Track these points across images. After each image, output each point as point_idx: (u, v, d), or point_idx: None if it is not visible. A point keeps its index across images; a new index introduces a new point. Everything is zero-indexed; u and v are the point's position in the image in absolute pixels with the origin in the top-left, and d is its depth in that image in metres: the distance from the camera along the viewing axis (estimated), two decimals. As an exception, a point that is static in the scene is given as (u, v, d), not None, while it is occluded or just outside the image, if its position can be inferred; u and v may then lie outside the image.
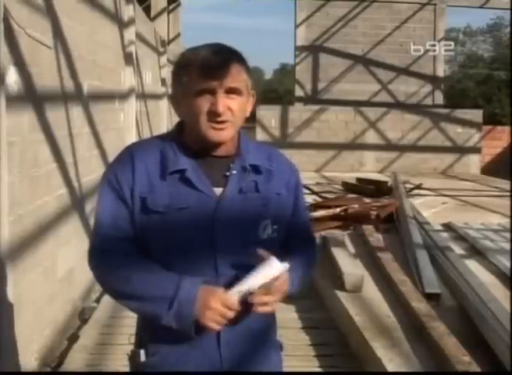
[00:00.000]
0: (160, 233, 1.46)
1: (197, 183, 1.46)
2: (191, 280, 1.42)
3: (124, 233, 1.47)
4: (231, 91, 1.45)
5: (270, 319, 1.61)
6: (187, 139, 1.51)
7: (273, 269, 1.43)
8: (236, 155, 1.52)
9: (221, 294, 1.40)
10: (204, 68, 1.43)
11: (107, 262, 1.47)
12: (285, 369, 1.70)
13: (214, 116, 1.43)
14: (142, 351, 1.51)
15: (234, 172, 1.50)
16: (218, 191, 1.48)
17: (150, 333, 1.51)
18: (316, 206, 7.24)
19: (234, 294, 1.41)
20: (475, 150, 13.81)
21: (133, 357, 1.55)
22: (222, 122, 1.44)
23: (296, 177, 1.63)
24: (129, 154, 1.51)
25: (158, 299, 1.41)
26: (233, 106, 1.45)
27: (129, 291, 1.43)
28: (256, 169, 1.52)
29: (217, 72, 1.42)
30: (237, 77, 1.46)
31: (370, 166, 13.47)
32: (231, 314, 1.41)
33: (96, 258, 1.50)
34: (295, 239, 1.61)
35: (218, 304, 1.39)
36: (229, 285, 1.43)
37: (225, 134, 1.46)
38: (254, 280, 1.42)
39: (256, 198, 1.51)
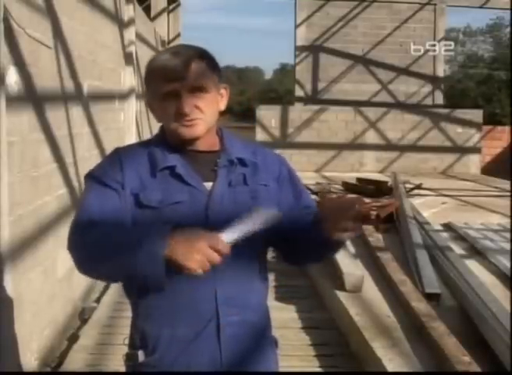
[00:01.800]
0: None
1: (188, 179, 1.48)
2: (166, 222, 1.37)
3: (112, 215, 1.43)
4: (196, 90, 1.46)
5: (266, 315, 1.62)
6: (170, 139, 1.53)
7: (261, 215, 1.37)
8: (221, 150, 1.55)
9: (209, 235, 1.30)
10: (163, 72, 1.46)
11: (86, 236, 1.39)
12: (285, 369, 1.71)
13: (181, 116, 1.46)
14: (140, 352, 1.51)
15: (222, 166, 1.52)
16: (208, 185, 1.50)
17: (147, 331, 1.50)
18: (316, 206, 7.23)
19: (224, 238, 1.32)
20: (475, 150, 13.79)
21: (130, 359, 1.53)
22: (192, 120, 1.47)
23: (287, 167, 1.65)
24: (118, 156, 1.52)
25: (129, 245, 1.32)
26: (200, 104, 1.47)
27: (106, 250, 1.34)
28: (242, 163, 1.55)
29: (176, 74, 1.45)
30: (200, 76, 1.47)
31: (370, 166, 13.46)
32: (218, 258, 1.28)
33: (75, 235, 1.43)
34: (309, 217, 1.55)
35: (204, 246, 1.27)
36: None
37: (197, 130, 1.48)
38: (242, 227, 1.35)
39: (245, 191, 1.53)
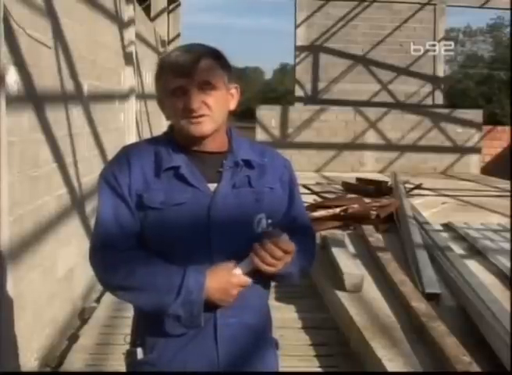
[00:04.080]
0: (157, 229, 1.47)
1: (191, 179, 1.48)
2: (196, 268, 1.44)
3: (125, 229, 1.49)
4: (205, 87, 1.47)
5: (266, 316, 1.62)
6: (178, 138, 1.54)
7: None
8: (228, 152, 1.55)
9: (236, 279, 1.46)
10: (173, 67, 1.46)
11: (109, 258, 1.48)
12: (285, 369, 1.71)
13: (189, 112, 1.46)
14: (139, 349, 1.52)
15: (227, 167, 1.52)
16: (212, 186, 1.50)
17: (147, 329, 1.51)
18: (316, 206, 7.23)
19: (243, 269, 1.47)
20: (475, 150, 13.79)
21: (130, 356, 1.55)
22: (200, 116, 1.46)
23: (290, 173, 1.65)
24: (125, 155, 1.54)
25: (164, 289, 1.42)
26: (209, 101, 1.47)
27: (134, 285, 1.45)
28: (248, 164, 1.55)
29: (186, 69, 1.45)
30: (209, 72, 1.48)
31: (370, 166, 13.46)
32: (243, 289, 1.48)
33: (98, 254, 1.51)
34: (295, 234, 1.60)
35: (238, 289, 1.46)
36: None
37: (204, 128, 1.48)
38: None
39: (249, 193, 1.53)
